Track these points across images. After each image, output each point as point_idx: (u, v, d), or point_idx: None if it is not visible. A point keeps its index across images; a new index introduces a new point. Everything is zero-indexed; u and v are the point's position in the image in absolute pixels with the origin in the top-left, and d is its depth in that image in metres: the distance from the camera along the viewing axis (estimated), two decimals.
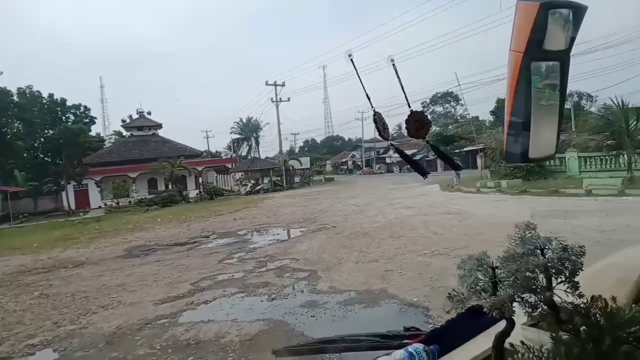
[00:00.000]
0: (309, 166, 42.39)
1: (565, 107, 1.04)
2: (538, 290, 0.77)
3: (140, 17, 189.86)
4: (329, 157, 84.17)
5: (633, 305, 0.73)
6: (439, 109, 75.59)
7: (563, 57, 0.89)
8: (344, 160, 76.28)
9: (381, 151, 66.97)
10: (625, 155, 15.53)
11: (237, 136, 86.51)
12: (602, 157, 19.99)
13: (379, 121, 1.27)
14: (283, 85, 38.24)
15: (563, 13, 0.85)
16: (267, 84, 37.92)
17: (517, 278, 0.76)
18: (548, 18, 0.82)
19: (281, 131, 40.29)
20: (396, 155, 60.72)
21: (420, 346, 1.01)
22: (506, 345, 0.79)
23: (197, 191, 36.13)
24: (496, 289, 0.77)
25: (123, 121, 43.90)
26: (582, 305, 0.75)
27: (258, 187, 36.18)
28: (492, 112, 66.55)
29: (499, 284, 0.78)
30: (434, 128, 68.22)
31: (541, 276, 0.78)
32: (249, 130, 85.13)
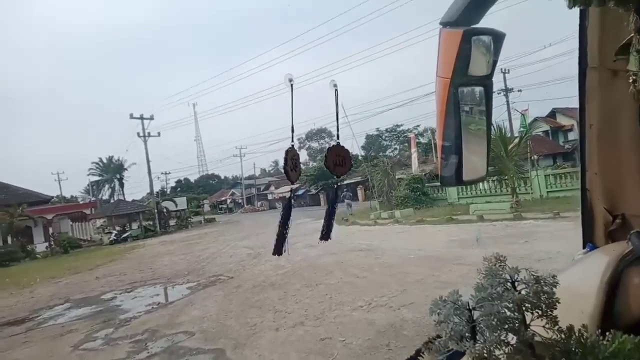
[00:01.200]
0: (185, 207, 38.38)
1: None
2: (515, 328, 0.73)
3: None
4: (205, 196, 79.72)
5: (614, 334, 0.70)
6: (314, 144, 77.59)
7: (486, 82, 0.92)
8: (222, 198, 72.70)
9: (262, 187, 65.48)
10: (507, 179, 16.39)
11: (97, 178, 77.18)
12: (474, 184, 21.31)
13: (290, 159, 1.15)
14: (151, 118, 34.48)
15: (484, 40, 0.87)
16: (132, 117, 33.71)
17: (498, 320, 0.72)
18: (471, 45, 0.84)
19: (151, 170, 36.00)
20: (278, 190, 60.08)
21: None
22: None
23: (47, 244, 29.61)
24: (475, 334, 0.73)
25: None
26: (560, 341, 0.73)
27: (125, 235, 31.18)
28: (363, 147, 70.87)
29: (476, 327, 0.73)
30: (311, 164, 69.90)
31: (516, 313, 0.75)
32: (111, 171, 76.57)
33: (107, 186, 79.41)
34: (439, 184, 22.74)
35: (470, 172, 0.95)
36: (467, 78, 0.88)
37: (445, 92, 0.87)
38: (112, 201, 50.80)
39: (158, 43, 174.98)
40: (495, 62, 0.91)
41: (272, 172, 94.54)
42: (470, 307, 0.75)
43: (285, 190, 58.07)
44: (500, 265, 0.81)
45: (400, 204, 21.57)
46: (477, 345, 0.70)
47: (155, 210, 33.61)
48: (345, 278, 8.87)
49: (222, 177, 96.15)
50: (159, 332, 7.03)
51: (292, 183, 1.21)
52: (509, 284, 0.77)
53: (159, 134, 35.42)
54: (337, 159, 1.19)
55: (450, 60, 0.85)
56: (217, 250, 17.05)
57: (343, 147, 1.20)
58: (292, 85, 1.15)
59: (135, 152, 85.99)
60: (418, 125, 59.21)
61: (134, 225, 34.15)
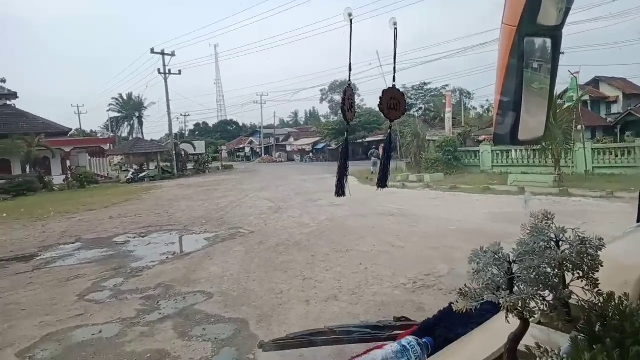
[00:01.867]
0: (204, 151, 37.72)
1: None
2: (553, 287, 0.74)
3: None
4: (224, 142, 79.22)
5: None
6: (337, 97, 75.11)
7: (556, 34, 0.87)
8: (241, 146, 72.02)
9: (281, 138, 64.37)
10: (551, 149, 14.90)
11: (117, 114, 76.97)
12: (514, 152, 19.88)
13: (347, 99, 1.17)
14: (173, 55, 33.02)
15: None
16: (152, 51, 32.33)
17: (537, 274, 0.73)
18: None
19: (170, 109, 35.05)
20: (297, 143, 58.98)
21: (413, 339, 0.99)
22: (522, 348, 0.75)
23: (64, 177, 29.46)
24: (512, 286, 0.73)
25: None
26: (598, 305, 0.73)
27: (143, 174, 30.80)
28: None
29: (515, 280, 0.74)
30: (332, 117, 68.04)
31: (557, 271, 0.76)
32: (130, 108, 76.18)
33: (126, 123, 79.49)
34: (471, 148, 21.41)
35: (526, 131, 0.91)
36: (536, 27, 0.82)
37: (509, 41, 0.82)
38: (130, 139, 50.39)
39: None
40: (567, 11, 0.84)
41: (291, 123, 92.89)
42: (510, 260, 0.75)
43: (305, 142, 56.93)
44: (546, 223, 0.83)
45: (430, 167, 20.31)
46: (512, 295, 0.70)
47: (174, 152, 33.00)
48: (380, 246, 7.96)
49: (241, 125, 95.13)
50: (174, 288, 6.31)
51: (348, 123, 1.26)
52: (552, 242, 0.78)
53: (180, 71, 34.06)
54: (392, 102, 1.17)
55: (518, 6, 0.79)
56: (237, 199, 16.33)
57: (398, 89, 1.17)
58: (351, 20, 1.12)
59: (153, 90, 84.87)
60: (447, 85, 56.36)
61: (152, 166, 33.76)
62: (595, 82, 40.17)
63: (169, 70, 33.82)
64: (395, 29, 1.14)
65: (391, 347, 0.98)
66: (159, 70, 33.49)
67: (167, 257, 8.28)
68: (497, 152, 20.66)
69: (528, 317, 0.71)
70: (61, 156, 30.56)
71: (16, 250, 9.68)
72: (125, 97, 76.88)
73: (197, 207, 14.82)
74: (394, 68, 1.16)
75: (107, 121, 78.88)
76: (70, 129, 36.91)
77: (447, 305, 0.97)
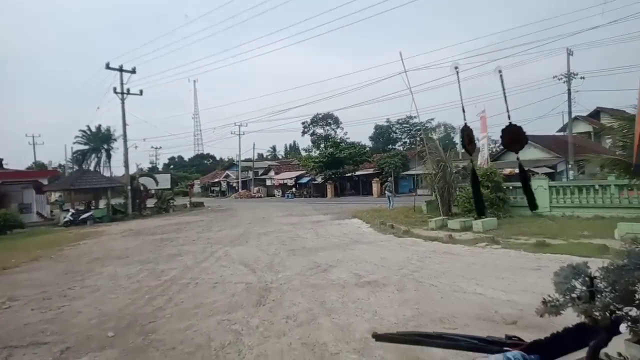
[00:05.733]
0: (169, 186, 31.44)
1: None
2: None
3: None
4: (198, 175, 72.82)
5: None
6: (319, 130, 70.21)
7: None
8: (216, 180, 65.63)
9: (260, 172, 58.55)
10: None
11: (84, 147, 70.28)
12: (585, 187, 14.66)
13: (466, 135, 1.34)
14: (133, 72, 27.18)
15: None
16: (108, 67, 26.43)
17: (615, 289, 0.74)
18: None
19: (140, 145, 29.07)
20: (279, 176, 53.16)
21: (518, 354, 0.99)
22: (603, 357, 0.77)
23: None
24: (593, 299, 0.75)
25: None
26: None
27: (85, 215, 24.23)
28: (371, 138, 63.91)
29: (596, 294, 0.76)
30: (314, 151, 62.70)
31: None
32: (98, 140, 69.57)
33: (93, 156, 72.90)
34: (515, 183, 16.21)
35: None
36: None
37: None
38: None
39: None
40: None
41: (269, 157, 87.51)
42: (592, 276, 0.78)
43: (287, 176, 51.21)
44: (637, 247, 0.83)
45: (466, 208, 14.75)
46: (589, 305, 0.72)
47: (129, 187, 26.65)
48: None
49: (218, 158, 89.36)
50: None
51: (471, 155, 1.43)
52: None
53: (141, 92, 28.15)
54: (513, 136, 1.26)
55: None
56: (194, 264, 10.26)
57: (516, 125, 1.25)
58: (457, 72, 1.48)
59: (131, 127, 78.16)
60: (432, 119, 52.36)
61: (102, 204, 27.27)
62: (597, 113, 36.70)
63: (128, 90, 28.02)
64: (501, 75, 1.29)
65: (496, 357, 0.97)
66: (114, 89, 27.64)
67: None
68: (557, 188, 15.41)
69: (603, 324, 0.72)
70: None
71: None
72: (93, 129, 70.71)
73: (122, 286, 8.63)
74: (507, 108, 1.23)
75: (73, 154, 71.81)
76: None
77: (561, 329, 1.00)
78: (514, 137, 1.23)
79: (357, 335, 5.20)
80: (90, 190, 26.71)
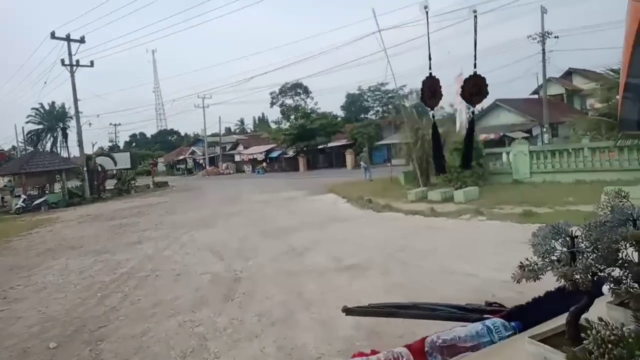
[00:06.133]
0: (129, 166, 29.66)
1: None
2: (625, 264, 0.70)
3: None
4: (162, 153, 70.02)
5: None
6: (288, 101, 68.35)
7: None
8: (181, 157, 63.24)
9: (228, 147, 56.73)
10: None
11: (38, 127, 65.90)
12: (566, 151, 14.38)
13: (427, 87, 1.18)
14: (82, 41, 24.90)
15: None
16: (53, 36, 24.06)
17: (597, 249, 0.70)
18: None
19: (97, 121, 26.97)
20: (248, 151, 51.64)
21: (499, 321, 0.95)
22: (583, 322, 0.72)
23: None
24: (574, 260, 0.70)
25: None
26: None
27: (39, 201, 22.50)
28: (343, 108, 62.65)
29: (577, 254, 0.71)
30: (285, 123, 61.06)
31: (630, 250, 0.71)
32: (53, 119, 65.30)
33: (49, 136, 68.66)
34: (496, 149, 15.74)
35: None
36: None
37: (638, 18, 0.75)
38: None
39: None
40: None
41: (237, 131, 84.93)
42: (574, 235, 0.72)
43: (257, 150, 49.77)
44: (620, 202, 0.78)
45: (457, 178, 13.91)
46: (570, 268, 0.67)
47: (85, 169, 24.88)
48: None
49: (183, 134, 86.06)
50: None
51: (432, 109, 1.24)
52: (630, 221, 0.73)
53: (92, 63, 25.90)
54: (474, 88, 1.15)
55: None
56: (155, 253, 9.31)
57: (480, 75, 1.16)
58: (427, 12, 1.16)
59: (86, 103, 73.09)
60: (404, 85, 51.49)
61: (57, 188, 25.43)
62: (569, 73, 36.89)
63: (77, 62, 25.76)
64: (475, 16, 1.12)
65: (474, 326, 0.93)
66: (62, 61, 25.34)
67: None
68: (537, 153, 15.10)
69: (584, 288, 0.68)
70: None
71: None
72: (47, 107, 65.93)
73: (72, 282, 7.64)
74: (475, 55, 1.11)
75: (26, 135, 67.10)
76: None
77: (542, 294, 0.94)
78: (475, 89, 1.14)
79: (341, 333, 4.55)
80: (44, 173, 24.75)
